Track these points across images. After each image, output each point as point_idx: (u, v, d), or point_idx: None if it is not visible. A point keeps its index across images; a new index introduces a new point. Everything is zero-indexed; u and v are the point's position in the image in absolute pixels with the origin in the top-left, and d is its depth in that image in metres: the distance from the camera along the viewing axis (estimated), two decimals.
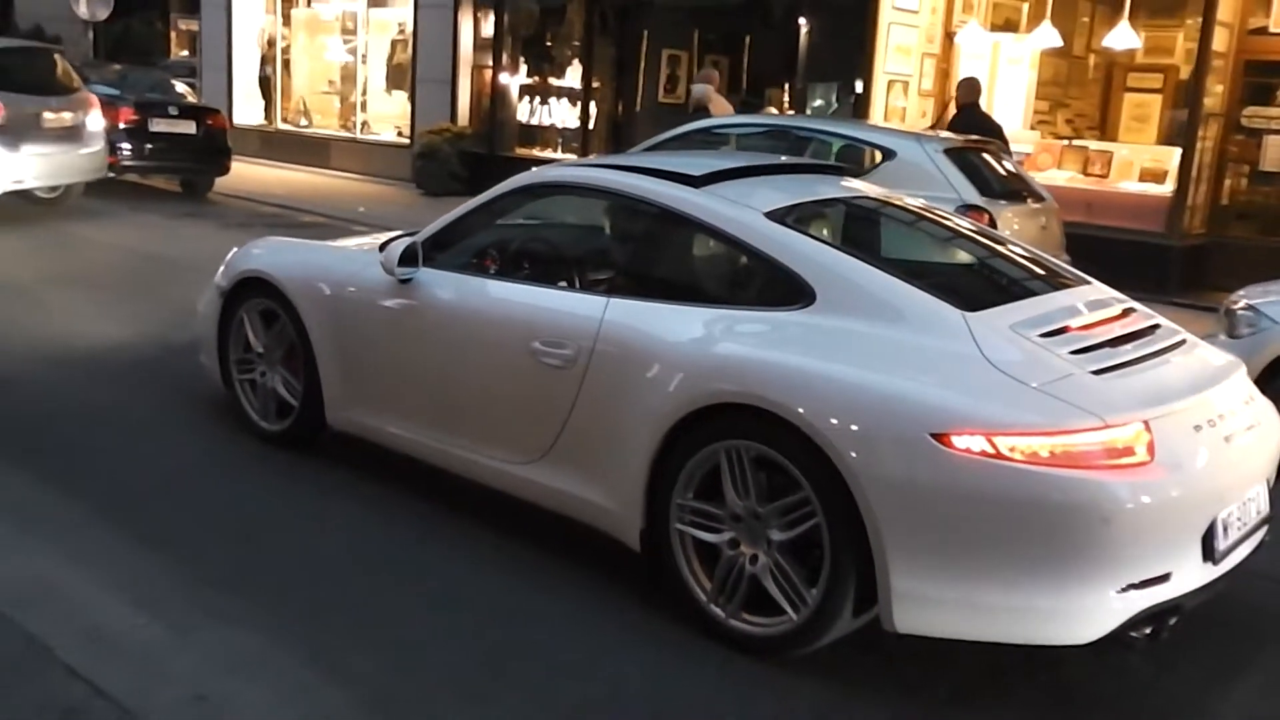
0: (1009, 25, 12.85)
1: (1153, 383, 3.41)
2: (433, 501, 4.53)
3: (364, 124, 17.75)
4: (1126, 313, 3.86)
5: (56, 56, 12.05)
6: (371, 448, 4.74)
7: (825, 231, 4.16)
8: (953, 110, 10.42)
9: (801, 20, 13.40)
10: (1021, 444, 3.10)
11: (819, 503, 3.31)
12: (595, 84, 14.97)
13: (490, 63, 15.76)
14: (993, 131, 9.49)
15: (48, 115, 11.12)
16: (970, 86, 10.21)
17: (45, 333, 6.89)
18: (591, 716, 3.18)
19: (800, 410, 3.30)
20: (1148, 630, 3.20)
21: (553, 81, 15.49)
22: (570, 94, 15.24)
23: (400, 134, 16.90)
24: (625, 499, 3.75)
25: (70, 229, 10.80)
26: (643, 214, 4.10)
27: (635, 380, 3.71)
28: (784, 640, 3.46)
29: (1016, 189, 8.34)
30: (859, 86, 12.42)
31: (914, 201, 4.54)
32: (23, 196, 11.20)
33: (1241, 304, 6.02)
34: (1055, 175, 11.75)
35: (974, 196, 7.51)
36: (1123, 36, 11.36)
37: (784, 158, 5.28)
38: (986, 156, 8.49)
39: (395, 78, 17.35)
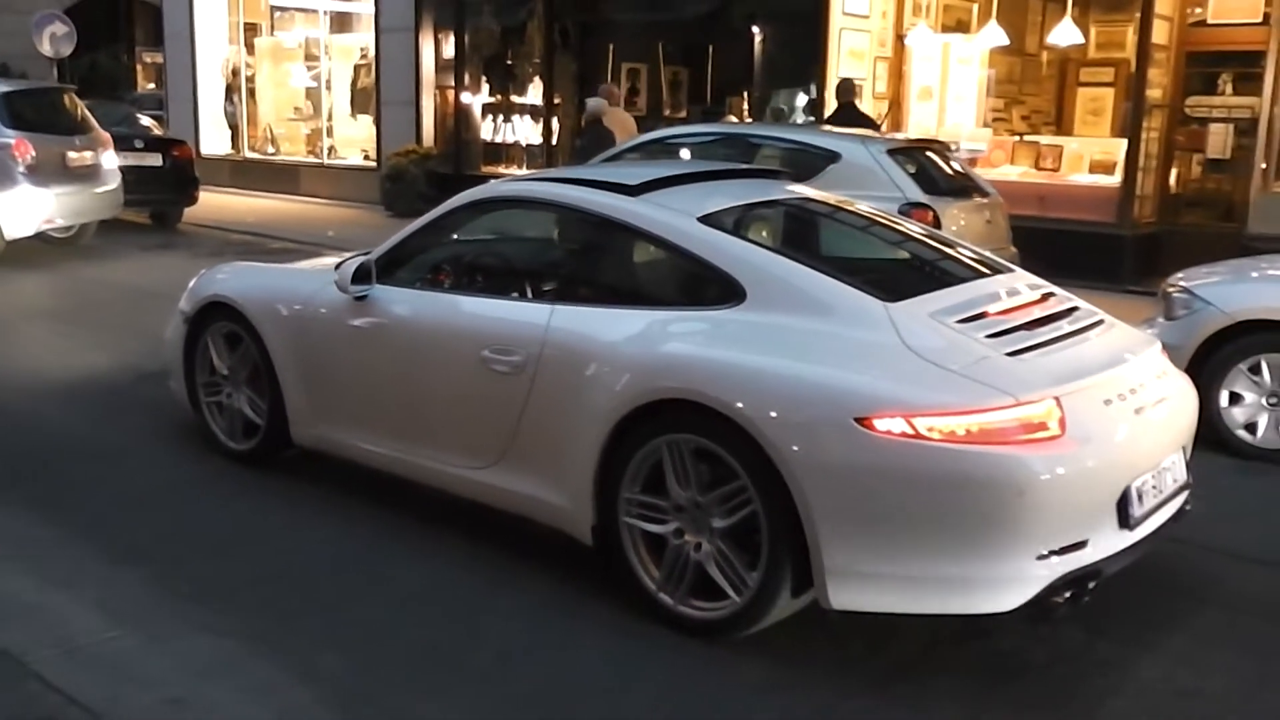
0: (960, 26, 13.08)
1: (1066, 361, 3.60)
2: (397, 510, 4.68)
3: (331, 149, 17.91)
4: (1045, 297, 4.05)
5: (74, 97, 12.14)
6: (338, 462, 4.89)
7: (759, 233, 4.35)
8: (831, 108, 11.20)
9: (756, 30, 13.65)
10: (939, 424, 3.28)
11: (755, 489, 3.48)
12: (557, 100, 15.15)
13: (453, 83, 15.94)
14: (868, 125, 10.45)
15: (71, 155, 11.25)
16: (846, 86, 11.03)
17: (18, 365, 7.02)
18: (545, 703, 3.34)
19: (732, 402, 3.48)
20: (1068, 595, 3.37)
21: (515, 99, 15.68)
22: (533, 111, 15.42)
23: (367, 157, 17.06)
24: (576, 496, 3.92)
25: (42, 263, 10.90)
26: (583, 223, 4.28)
27: (581, 382, 3.89)
28: (729, 623, 3.63)
29: (961, 185, 8.59)
30: (813, 91, 12.66)
31: (844, 201, 4.74)
32: (37, 236, 11.21)
33: (1177, 287, 6.23)
34: (1008, 170, 12.01)
35: (918, 194, 7.76)
36: (1067, 33, 11.62)
37: (725, 165, 5.49)
38: (931, 155, 8.76)
39: (360, 102, 17.51)
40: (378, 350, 4.58)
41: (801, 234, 4.56)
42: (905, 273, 4.34)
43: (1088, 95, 12.66)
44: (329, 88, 17.89)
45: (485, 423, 4.21)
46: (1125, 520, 3.48)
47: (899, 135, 11.27)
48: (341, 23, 17.91)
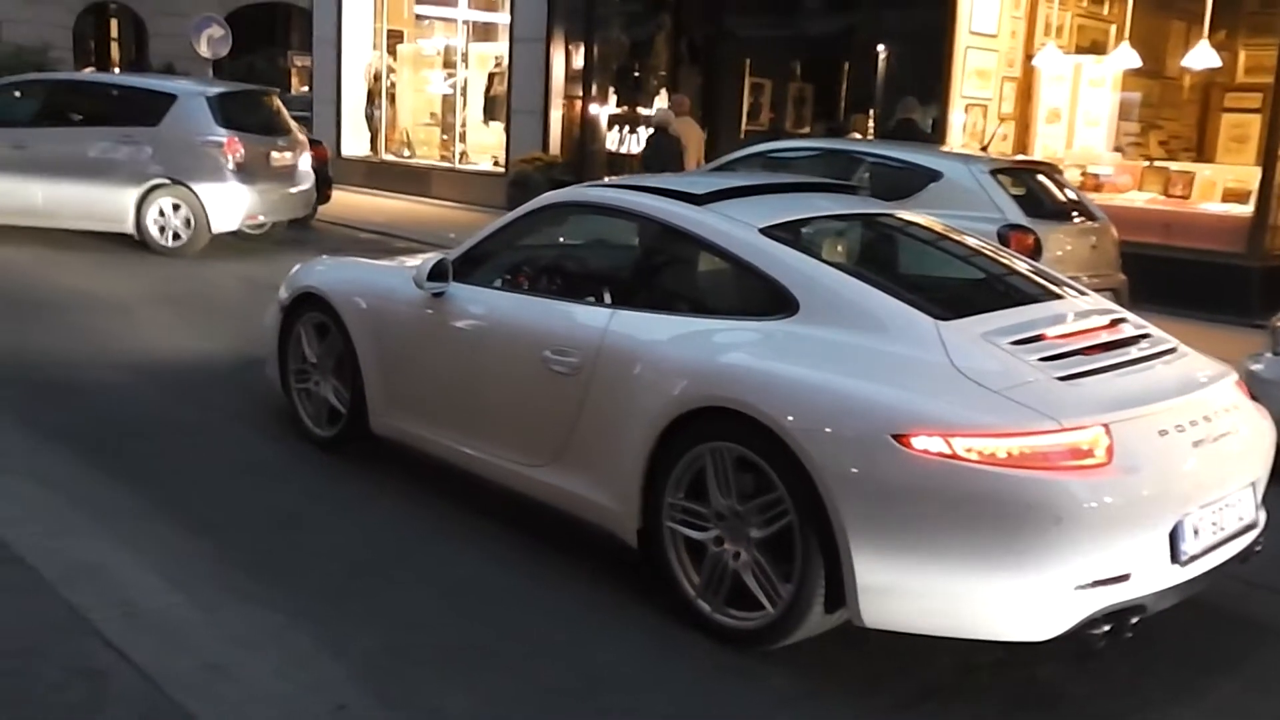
0: (1095, 47, 12.70)
1: (1122, 388, 3.47)
2: (457, 502, 4.77)
3: (462, 154, 18.34)
4: (1115, 323, 3.91)
5: (276, 100, 12.69)
6: (411, 453, 5.02)
7: (823, 246, 4.31)
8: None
9: (881, 47, 13.48)
10: (978, 445, 3.21)
11: (791, 501, 3.45)
12: None
13: (580, 93, 16.17)
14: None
15: (274, 154, 11.71)
16: (906, 104, 11.47)
17: (136, 346, 7.38)
18: (566, 698, 3.37)
19: (771, 412, 3.46)
20: (1107, 629, 3.25)
21: (640, 111, 15.81)
22: None
23: (496, 163, 17.43)
24: (624, 498, 3.94)
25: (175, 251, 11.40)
26: (647, 230, 4.32)
27: (632, 386, 3.91)
28: (762, 633, 3.60)
29: (1066, 209, 8.33)
30: (936, 111, 12.44)
31: (918, 217, 4.66)
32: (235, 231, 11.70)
33: None
34: (1135, 196, 11.60)
35: (1019, 217, 7.59)
36: (1203, 56, 11.13)
37: (800, 178, 5.45)
38: (1040, 178, 8.53)
39: (492, 109, 17.91)
40: (448, 346, 4.69)
41: (866, 249, 4.51)
42: (966, 292, 4.24)
43: (1232, 121, 12.12)
44: (464, 95, 18.33)
45: (543, 421, 4.27)
46: (1176, 556, 3.34)
47: (1015, 156, 11.03)
48: (479, 32, 18.33)
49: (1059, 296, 4.07)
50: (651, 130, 12.05)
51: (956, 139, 12.29)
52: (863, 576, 3.33)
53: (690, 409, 3.70)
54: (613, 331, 4.04)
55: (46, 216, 11.39)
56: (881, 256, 4.44)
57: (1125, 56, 11.69)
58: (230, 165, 11.09)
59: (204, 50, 18.65)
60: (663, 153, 11.04)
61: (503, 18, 17.19)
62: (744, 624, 3.65)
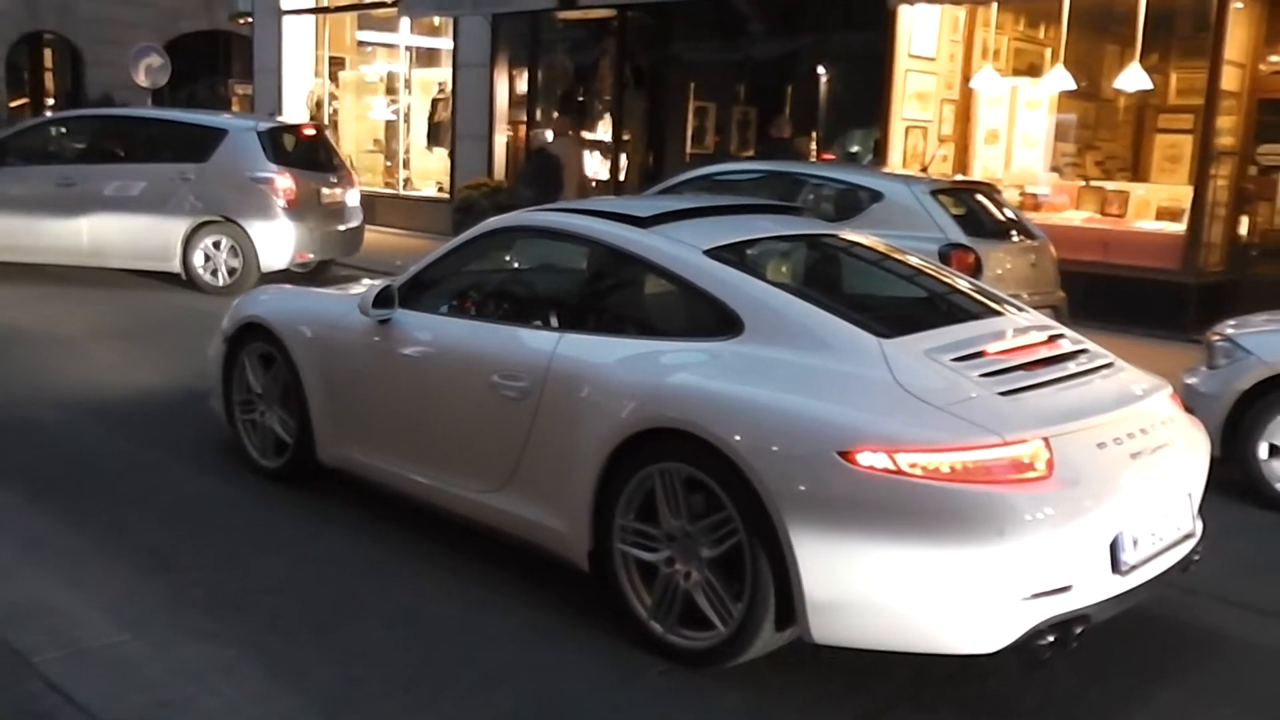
0: (1033, 70, 12.96)
1: (1062, 402, 3.56)
2: (408, 531, 4.75)
3: (407, 180, 18.28)
4: (1053, 339, 4.01)
5: (326, 135, 12.49)
6: (361, 482, 4.99)
7: (767, 267, 4.37)
8: None
9: (822, 70, 13.68)
10: (922, 460, 3.27)
11: (740, 520, 3.49)
12: (626, 137, 15.33)
13: (525, 118, 16.20)
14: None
15: (324, 191, 11.50)
16: (777, 123, 12.44)
17: (82, 382, 7.27)
18: None
19: (718, 432, 3.50)
20: (1052, 639, 3.31)
21: (585, 135, 15.87)
22: (602, 147, 15.60)
23: (441, 189, 17.40)
24: (574, 521, 3.95)
25: (127, 283, 11.22)
26: (593, 253, 4.36)
27: (581, 409, 3.94)
28: (714, 653, 3.63)
29: (1006, 228, 8.50)
30: (877, 133, 12.65)
31: (862, 237, 4.74)
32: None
33: (1220, 335, 6.10)
34: (1072, 215, 11.85)
35: (959, 236, 7.74)
36: (1135, 78, 11.40)
37: (745, 200, 5.52)
38: (980, 197, 8.70)
39: (436, 135, 17.88)
40: (396, 373, 4.68)
41: (810, 269, 4.58)
42: (909, 309, 4.32)
43: (1165, 142, 12.39)
44: (408, 121, 18.29)
45: (493, 447, 4.27)
46: (1117, 566, 3.42)
47: (955, 177, 11.22)
48: (423, 58, 18.33)
49: (999, 313, 4.16)
50: (533, 151, 12.78)
51: (898, 160, 12.50)
52: (812, 593, 3.37)
53: (638, 430, 3.73)
54: (560, 355, 4.07)
55: (91, 255, 11.09)
56: (825, 276, 4.52)
57: (1060, 79, 11.93)
58: (281, 202, 10.84)
59: (142, 79, 18.49)
60: (542, 171, 11.65)
61: (446, 43, 17.23)
62: (696, 644, 3.67)
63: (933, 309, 4.27)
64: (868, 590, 3.34)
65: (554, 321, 4.30)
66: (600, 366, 3.94)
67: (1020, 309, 4.27)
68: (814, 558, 3.35)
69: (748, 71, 14.79)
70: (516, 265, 5.11)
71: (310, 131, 12.41)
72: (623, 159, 15.31)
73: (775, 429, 3.47)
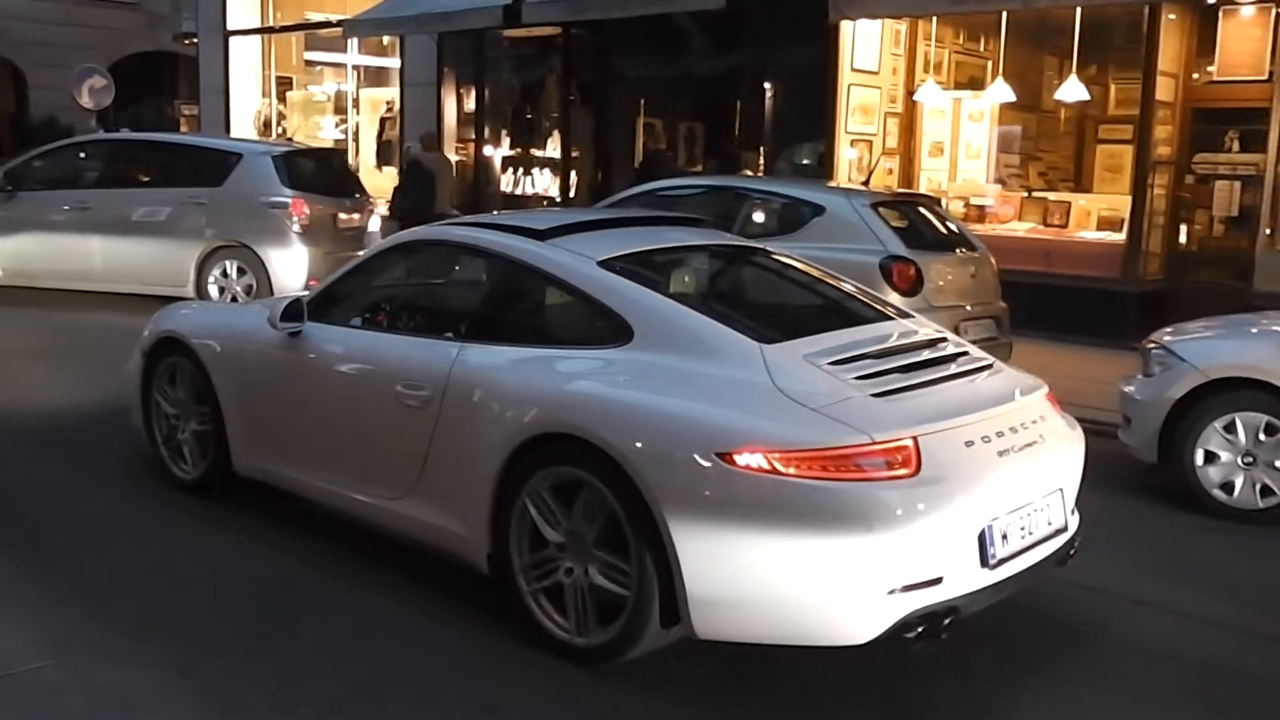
0: (974, 83, 13.29)
1: (933, 403, 3.78)
2: (334, 544, 4.87)
3: None
4: (934, 343, 4.24)
5: (344, 159, 12.65)
6: (287, 495, 5.10)
7: (662, 277, 4.56)
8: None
9: (767, 85, 13.97)
10: (796, 459, 3.47)
11: (626, 520, 3.68)
12: (574, 153, 15.58)
13: (473, 136, 16.42)
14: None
15: (341, 216, 11.53)
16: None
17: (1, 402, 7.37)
18: None
19: (605, 435, 3.69)
20: (920, 630, 3.51)
21: (534, 152, 16.12)
22: (551, 164, 15.85)
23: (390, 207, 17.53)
24: (474, 525, 4.13)
25: (38, 301, 11.24)
26: (493, 266, 4.57)
27: (479, 417, 4.13)
28: (604, 650, 3.81)
29: (946, 240, 8.68)
30: (822, 147, 12.94)
31: (753, 247, 4.98)
32: None
33: (1155, 343, 6.23)
34: (1016, 226, 12.16)
35: (900, 248, 7.87)
36: (1073, 90, 11.75)
37: (645, 213, 5.76)
38: (921, 210, 8.90)
39: (385, 154, 18.06)
40: (305, 385, 4.87)
41: (704, 278, 4.81)
42: (795, 316, 4.55)
43: (1106, 152, 12.73)
44: (356, 140, 18.48)
45: (398, 455, 4.45)
46: (985, 559, 3.63)
47: (895, 190, 11.50)
48: (370, 77, 18.56)
49: (885, 319, 4.39)
50: (407, 163, 14.04)
51: (844, 174, 12.78)
52: (693, 590, 3.56)
53: (531, 435, 3.92)
54: (460, 363, 4.26)
55: (103, 279, 11.17)
56: (718, 285, 4.74)
57: (1001, 91, 12.28)
58: (295, 227, 10.89)
59: (86, 101, 18.60)
60: (416, 182, 12.79)
61: (393, 62, 17.45)
62: (588, 642, 3.84)
63: (819, 315, 4.49)
64: (746, 586, 3.54)
65: (456, 332, 4.48)
66: (497, 374, 4.14)
67: (907, 315, 4.51)
68: (695, 555, 3.54)
69: (694, 87, 15.06)
70: (423, 278, 5.32)
71: (326, 155, 12.68)
72: (572, 175, 15.55)
73: (659, 432, 3.66)
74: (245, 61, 19.42)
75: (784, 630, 3.58)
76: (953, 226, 9.11)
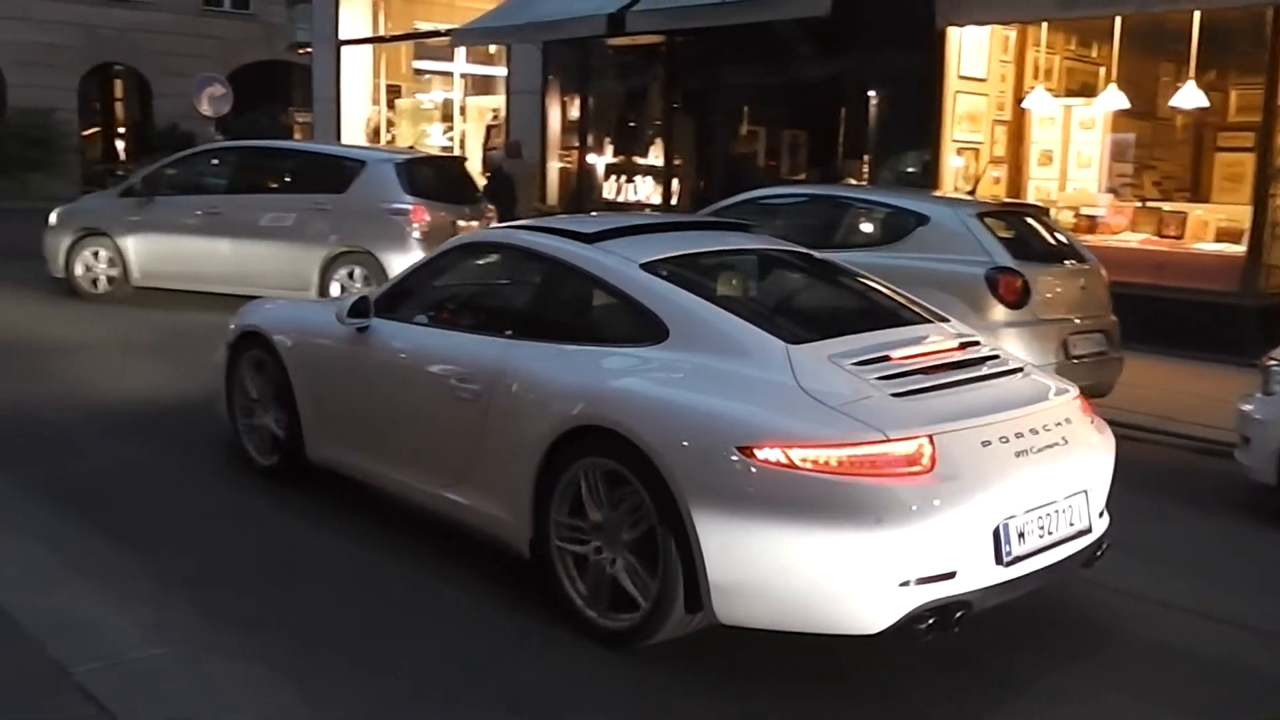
0: (1085, 90, 13.23)
1: (952, 404, 4.00)
2: (423, 541, 5.15)
3: None
4: (965, 346, 4.46)
5: (463, 166, 13.19)
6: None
7: (702, 279, 4.86)
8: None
9: (872, 93, 14.12)
10: (813, 455, 3.74)
11: (653, 509, 3.99)
12: (677, 161, 15.93)
13: (577, 144, 16.93)
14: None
15: (461, 224, 11.69)
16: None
17: (109, 393, 8.01)
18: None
19: (636, 428, 4.01)
20: (931, 622, 3.74)
21: (637, 160, 16.53)
22: (653, 171, 16.23)
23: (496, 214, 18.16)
24: (519, 512, 4.49)
25: (153, 302, 12.03)
26: (542, 267, 4.94)
27: (524, 410, 4.49)
28: (631, 634, 4.12)
29: (1055, 252, 8.58)
30: (927, 155, 13.04)
31: (799, 250, 5.26)
32: None
33: (1275, 361, 6.16)
34: (1129, 237, 12.05)
35: (1006, 259, 7.82)
36: (1190, 96, 11.62)
37: (691, 218, 6.05)
38: (1029, 220, 8.82)
39: (491, 161, 18.70)
40: (368, 377, 5.31)
41: (742, 281, 5.11)
42: (826, 318, 4.81)
43: (1226, 160, 12.53)
44: (463, 147, 19.15)
45: (451, 445, 4.85)
46: (1000, 556, 3.83)
47: (1002, 199, 11.52)
48: (477, 85, 19.25)
49: (919, 322, 4.62)
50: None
51: (949, 183, 12.85)
52: (715, 577, 3.84)
53: (570, 428, 4.26)
54: (509, 360, 4.63)
55: (232, 282, 11.71)
56: (755, 287, 5.03)
57: (1113, 98, 12.20)
58: (415, 234, 11.24)
59: (205, 108, 19.73)
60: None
61: (500, 70, 18.06)
62: (619, 625, 4.16)
63: (851, 317, 4.74)
64: (764, 574, 3.81)
65: (506, 329, 4.85)
66: (541, 370, 4.50)
67: (944, 318, 4.73)
68: (717, 544, 3.83)
69: (797, 95, 15.27)
70: (478, 278, 5.72)
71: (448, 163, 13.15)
72: (674, 183, 15.91)
73: (686, 426, 3.97)
74: (356, 70, 20.33)
75: (799, 618, 3.83)
76: (1062, 237, 8.97)
